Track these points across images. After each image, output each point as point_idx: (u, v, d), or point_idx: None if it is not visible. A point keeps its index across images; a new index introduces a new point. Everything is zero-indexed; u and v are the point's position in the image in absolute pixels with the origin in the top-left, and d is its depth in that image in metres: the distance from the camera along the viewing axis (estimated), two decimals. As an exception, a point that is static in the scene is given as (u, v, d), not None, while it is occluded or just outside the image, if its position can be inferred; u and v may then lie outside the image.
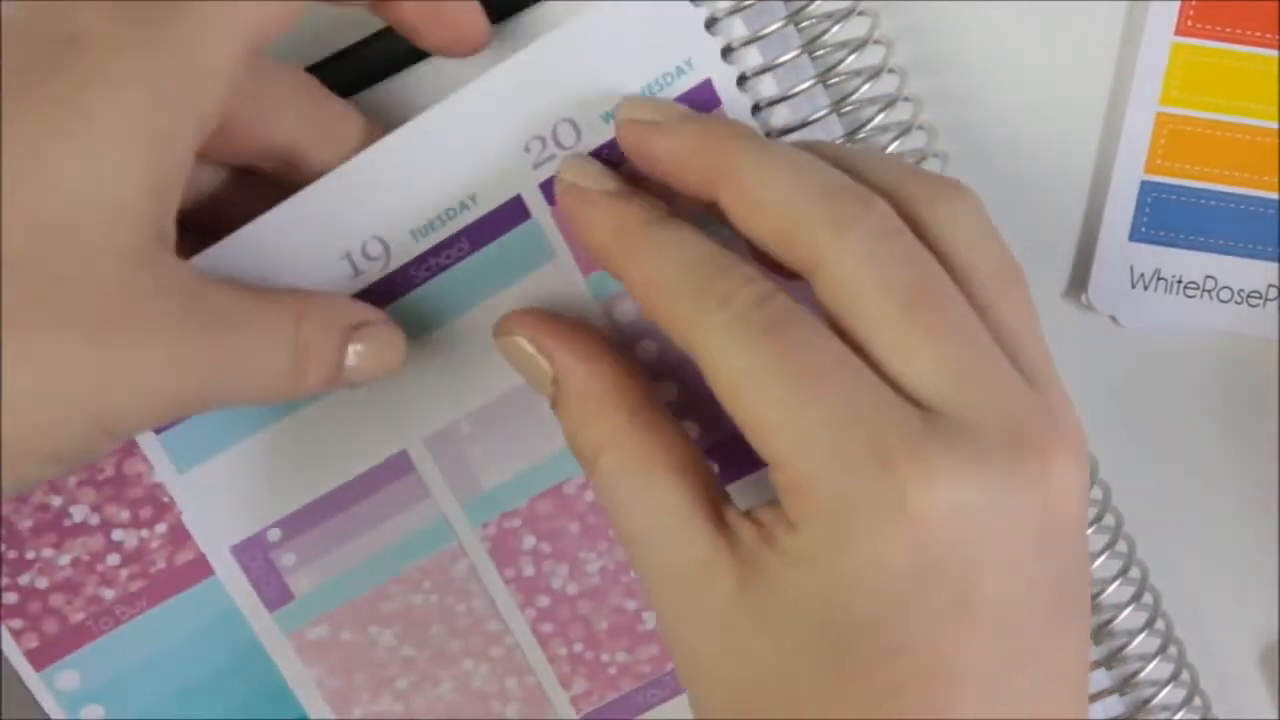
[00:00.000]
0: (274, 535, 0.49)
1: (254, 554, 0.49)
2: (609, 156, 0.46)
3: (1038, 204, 0.52)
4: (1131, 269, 0.52)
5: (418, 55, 0.49)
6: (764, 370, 0.39)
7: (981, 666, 0.39)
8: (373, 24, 0.48)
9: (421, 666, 0.50)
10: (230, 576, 0.50)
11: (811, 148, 0.44)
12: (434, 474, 0.49)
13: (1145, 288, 0.52)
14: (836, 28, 0.47)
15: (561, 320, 0.45)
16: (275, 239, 0.45)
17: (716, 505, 0.42)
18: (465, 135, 0.46)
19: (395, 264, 0.46)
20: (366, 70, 0.49)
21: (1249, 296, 0.52)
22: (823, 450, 0.38)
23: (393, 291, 0.47)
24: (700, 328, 0.40)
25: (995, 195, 0.50)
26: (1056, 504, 0.39)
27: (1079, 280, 0.52)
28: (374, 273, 0.46)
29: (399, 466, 0.49)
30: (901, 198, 0.42)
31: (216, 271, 0.44)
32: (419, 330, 0.47)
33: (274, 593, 0.50)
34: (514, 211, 0.46)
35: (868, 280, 0.40)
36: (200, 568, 0.49)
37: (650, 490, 0.42)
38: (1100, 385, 0.53)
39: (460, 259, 0.47)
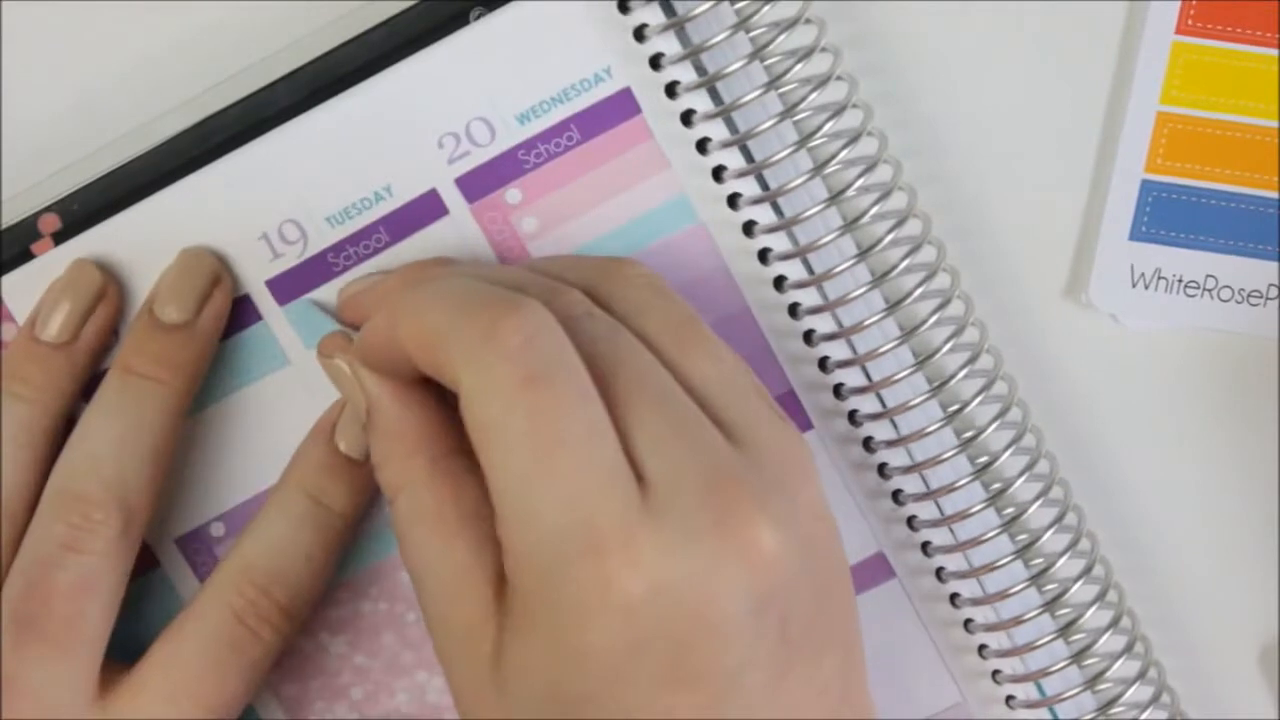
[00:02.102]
0: (217, 529, 0.50)
1: (199, 548, 0.50)
2: (521, 159, 0.48)
3: (1038, 203, 0.52)
4: (1132, 268, 0.52)
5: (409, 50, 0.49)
6: (513, 427, 0.39)
7: None
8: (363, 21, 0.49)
9: (375, 676, 0.51)
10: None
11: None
12: None
13: (1146, 287, 0.52)
14: (783, 36, 0.48)
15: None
16: (195, 206, 0.47)
17: (500, 564, 0.42)
18: (379, 125, 0.47)
19: (313, 249, 0.48)
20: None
21: (1249, 296, 0.52)
22: (542, 530, 0.39)
23: (312, 279, 0.48)
24: (461, 360, 0.40)
25: (995, 194, 0.52)
26: (763, 566, 0.40)
27: (1079, 279, 0.53)
28: (292, 256, 0.48)
29: None
30: (580, 284, 0.44)
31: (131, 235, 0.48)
32: None
33: None
34: (431, 206, 0.48)
35: (591, 358, 0.41)
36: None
37: (437, 542, 0.43)
38: (1100, 385, 0.53)
39: (380, 249, 0.48)
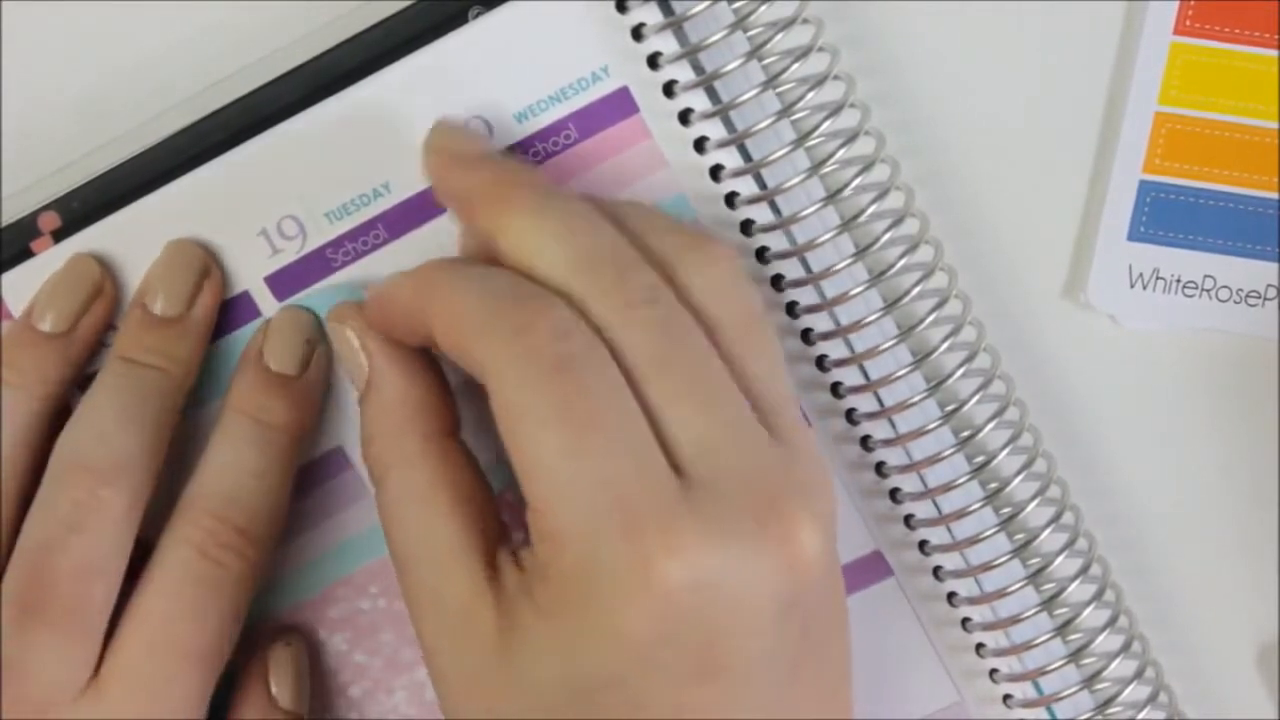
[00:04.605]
0: None
1: None
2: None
3: (1036, 203, 0.53)
4: (1130, 268, 0.52)
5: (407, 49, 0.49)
6: (543, 411, 0.40)
7: None
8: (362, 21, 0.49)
9: (374, 674, 0.51)
10: None
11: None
12: None
13: (1144, 287, 0.52)
14: (780, 36, 0.48)
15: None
16: (194, 203, 0.48)
17: (491, 545, 0.43)
18: (378, 123, 0.48)
19: (312, 245, 0.48)
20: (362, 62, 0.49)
21: (1248, 296, 0.52)
22: (579, 508, 0.39)
23: (311, 274, 0.48)
24: (494, 347, 0.41)
25: (993, 194, 0.52)
26: (800, 567, 0.40)
27: (1078, 279, 0.53)
28: (291, 252, 0.48)
29: (336, 463, 0.49)
30: (655, 250, 0.43)
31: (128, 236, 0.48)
32: None
33: None
34: (429, 203, 0.48)
35: (643, 348, 0.41)
36: None
37: (429, 519, 0.43)
38: (1099, 385, 0.53)
39: (378, 245, 0.48)
